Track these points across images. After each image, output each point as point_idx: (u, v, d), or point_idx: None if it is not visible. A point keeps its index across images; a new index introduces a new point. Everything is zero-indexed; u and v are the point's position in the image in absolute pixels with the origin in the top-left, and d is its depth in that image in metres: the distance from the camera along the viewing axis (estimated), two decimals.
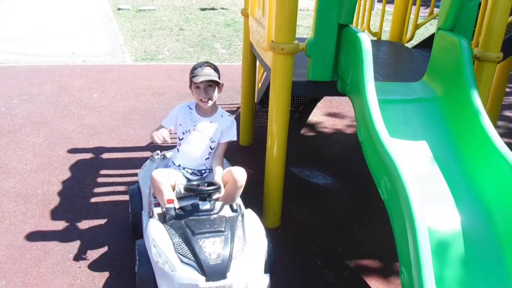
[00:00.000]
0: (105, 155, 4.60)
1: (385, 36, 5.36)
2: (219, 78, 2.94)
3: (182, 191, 2.92)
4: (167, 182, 2.86)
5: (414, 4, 4.58)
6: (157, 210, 2.87)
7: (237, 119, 5.30)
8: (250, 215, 2.76)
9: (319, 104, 5.97)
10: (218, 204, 2.74)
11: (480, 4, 3.34)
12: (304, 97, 5.56)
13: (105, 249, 3.25)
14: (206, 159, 3.08)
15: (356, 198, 4.00)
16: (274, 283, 2.99)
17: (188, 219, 2.64)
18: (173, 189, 2.91)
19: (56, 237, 3.35)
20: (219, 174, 2.94)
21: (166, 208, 2.72)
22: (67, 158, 4.49)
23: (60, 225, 3.49)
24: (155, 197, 2.95)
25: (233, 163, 3.02)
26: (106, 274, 3.01)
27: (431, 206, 2.43)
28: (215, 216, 2.68)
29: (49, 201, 3.78)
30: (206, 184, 2.80)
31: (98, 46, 9.13)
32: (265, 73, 5.45)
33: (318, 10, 3.05)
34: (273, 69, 3.17)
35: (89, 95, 6.20)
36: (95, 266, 3.09)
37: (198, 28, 10.98)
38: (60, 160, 4.46)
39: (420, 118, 2.92)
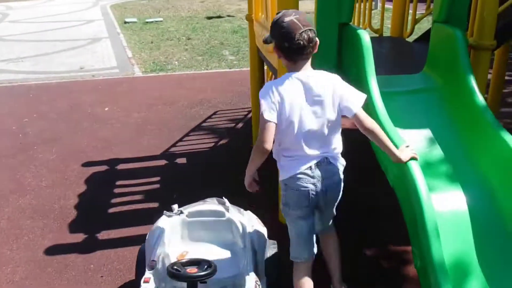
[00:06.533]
0: (120, 166, 4.70)
1: (386, 33, 5.39)
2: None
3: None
4: None
5: (411, 0, 4.65)
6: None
7: (248, 123, 5.39)
8: None
9: None
10: None
11: None
12: None
13: (127, 257, 3.32)
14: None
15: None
16: None
17: None
18: None
19: (76, 249, 3.44)
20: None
21: None
22: (82, 172, 4.59)
23: (79, 237, 3.58)
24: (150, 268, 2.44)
25: None
26: (128, 282, 3.08)
27: (438, 190, 2.49)
28: None
29: (66, 215, 3.87)
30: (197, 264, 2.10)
31: (106, 60, 9.26)
32: (273, 76, 5.53)
33: (318, 11, 3.10)
34: (279, 71, 3.24)
35: (101, 109, 6.32)
36: (117, 275, 3.17)
37: (206, 36, 11.07)
38: (75, 174, 4.55)
39: (423, 108, 2.99)
